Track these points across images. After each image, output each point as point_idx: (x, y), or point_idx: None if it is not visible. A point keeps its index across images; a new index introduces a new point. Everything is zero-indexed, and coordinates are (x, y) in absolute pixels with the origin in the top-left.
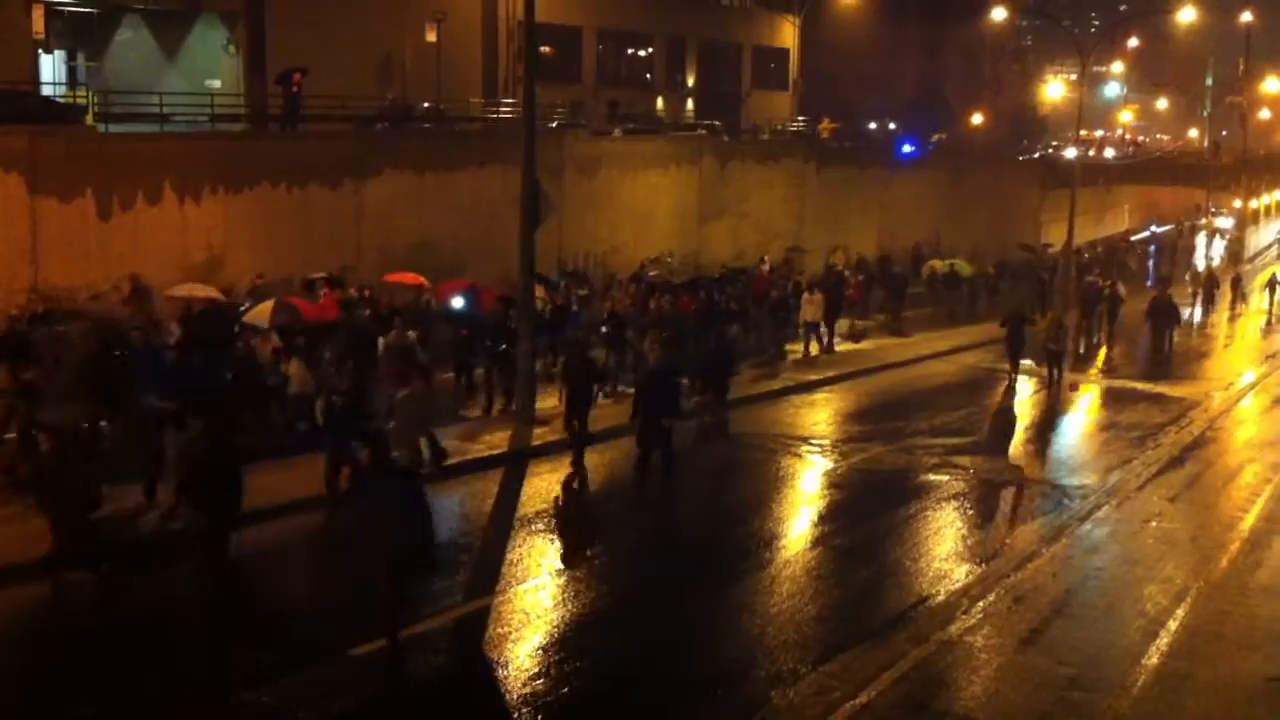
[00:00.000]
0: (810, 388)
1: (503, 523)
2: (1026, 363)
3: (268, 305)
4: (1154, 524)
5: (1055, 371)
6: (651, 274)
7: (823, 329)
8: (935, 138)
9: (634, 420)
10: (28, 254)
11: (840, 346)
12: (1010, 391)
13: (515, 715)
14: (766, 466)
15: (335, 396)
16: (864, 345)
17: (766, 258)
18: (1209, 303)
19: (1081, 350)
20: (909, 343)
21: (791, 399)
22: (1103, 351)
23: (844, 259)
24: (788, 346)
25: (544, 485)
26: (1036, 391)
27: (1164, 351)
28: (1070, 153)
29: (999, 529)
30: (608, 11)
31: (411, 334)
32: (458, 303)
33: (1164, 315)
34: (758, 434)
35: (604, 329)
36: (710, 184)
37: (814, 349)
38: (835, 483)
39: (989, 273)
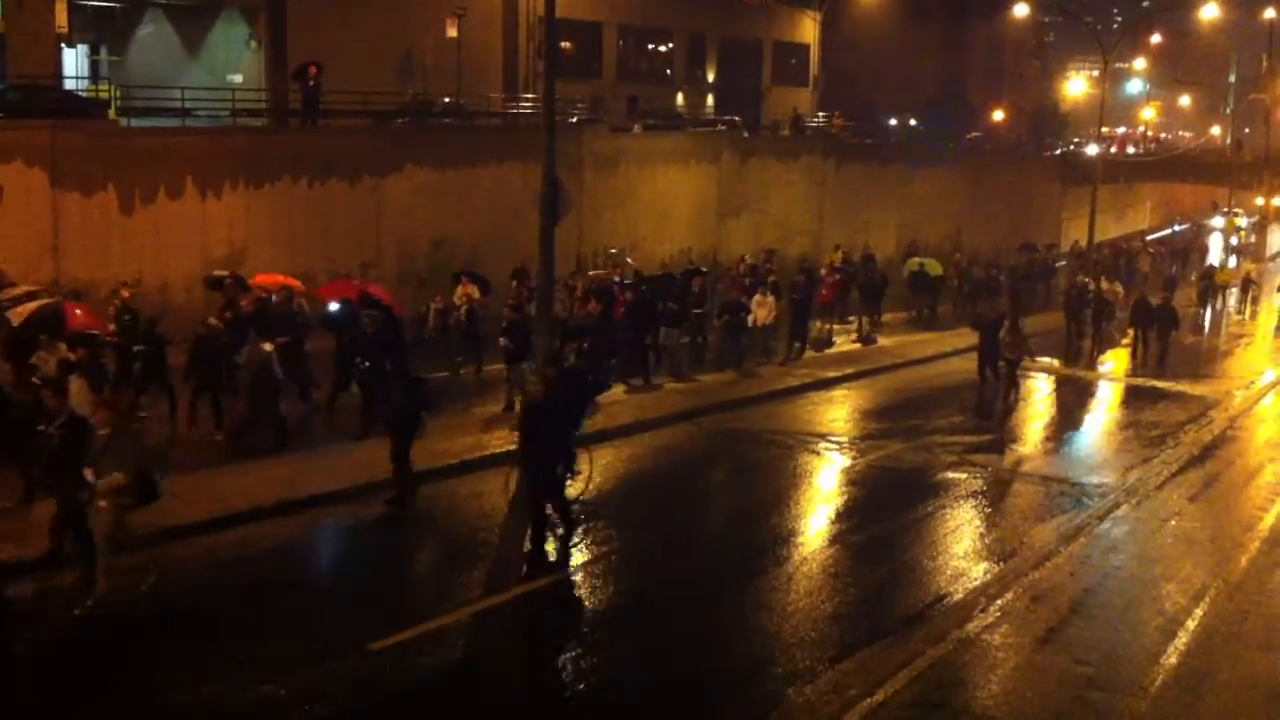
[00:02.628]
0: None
1: (518, 520)
2: (1046, 360)
3: (30, 307)
4: (1173, 523)
5: (1009, 384)
6: (591, 271)
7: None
8: (971, 135)
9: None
10: (50, 247)
11: (820, 352)
12: (985, 396)
13: (531, 711)
14: (784, 464)
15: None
16: (831, 352)
17: (748, 256)
18: (1206, 303)
19: (1064, 355)
20: (880, 350)
21: (811, 395)
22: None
23: (841, 257)
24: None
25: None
26: (1053, 390)
27: (1141, 356)
28: (1092, 149)
29: (1017, 527)
30: (628, 7)
31: (268, 346)
32: (334, 308)
33: (1147, 318)
34: (774, 431)
35: (501, 341)
36: (730, 180)
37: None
38: (853, 480)
39: (983, 273)
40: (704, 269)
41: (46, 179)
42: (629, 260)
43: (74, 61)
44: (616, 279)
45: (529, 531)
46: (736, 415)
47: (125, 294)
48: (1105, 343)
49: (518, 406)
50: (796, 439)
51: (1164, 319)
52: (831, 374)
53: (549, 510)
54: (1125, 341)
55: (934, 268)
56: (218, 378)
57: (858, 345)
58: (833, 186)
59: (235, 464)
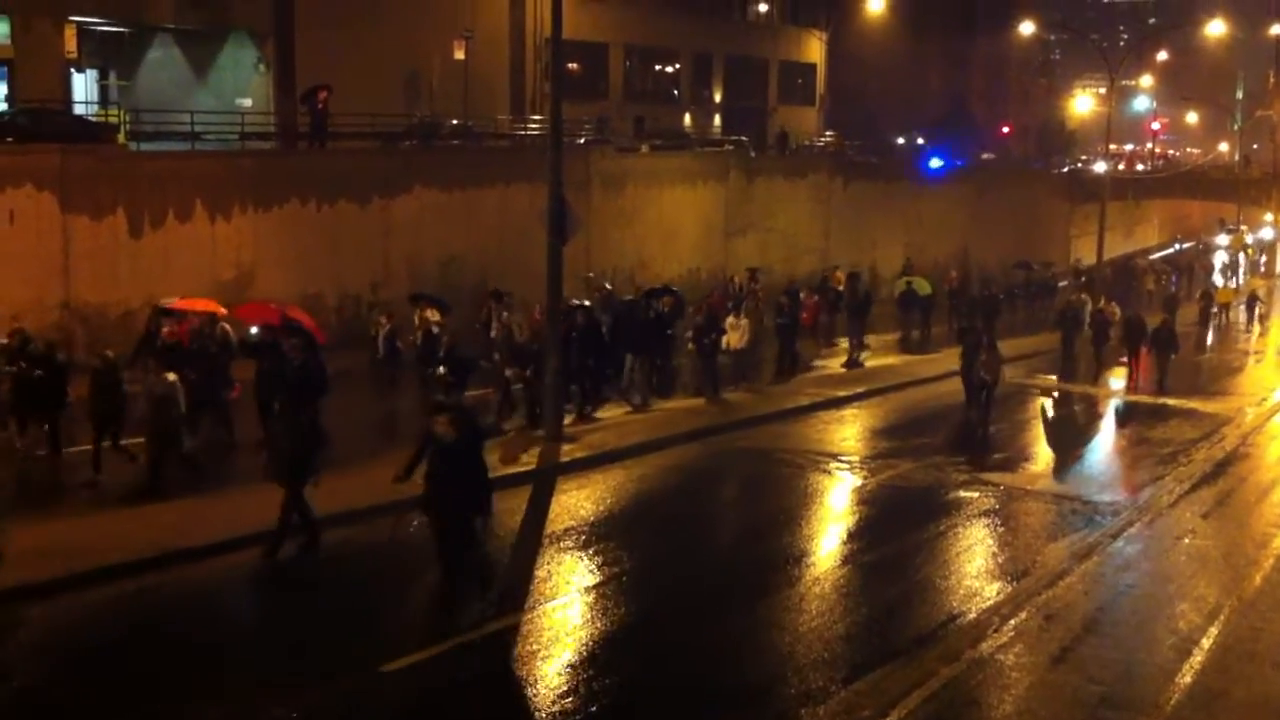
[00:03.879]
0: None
1: (530, 539)
2: (1047, 378)
3: None
4: (1186, 541)
5: (982, 404)
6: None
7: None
8: (985, 156)
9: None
10: (60, 270)
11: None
12: (969, 416)
13: None
14: (794, 482)
15: None
16: (811, 376)
17: (737, 277)
18: (1206, 323)
19: (1060, 374)
20: (888, 369)
21: (821, 415)
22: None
23: (843, 277)
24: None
25: (572, 502)
26: (1062, 408)
27: (1135, 376)
28: (1099, 166)
29: (1029, 546)
30: (634, 28)
31: (171, 376)
32: (254, 333)
33: (1137, 338)
34: (783, 450)
35: (440, 369)
36: (737, 199)
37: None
38: (863, 499)
39: (979, 291)
40: (674, 289)
41: (56, 203)
42: (606, 285)
43: (83, 86)
44: (574, 302)
45: (442, 589)
46: (744, 434)
47: (15, 325)
48: (1103, 363)
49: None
50: (805, 457)
51: (1161, 340)
52: (842, 393)
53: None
54: (1121, 361)
55: (922, 286)
56: (116, 413)
57: (842, 370)
58: (839, 205)
59: (123, 508)
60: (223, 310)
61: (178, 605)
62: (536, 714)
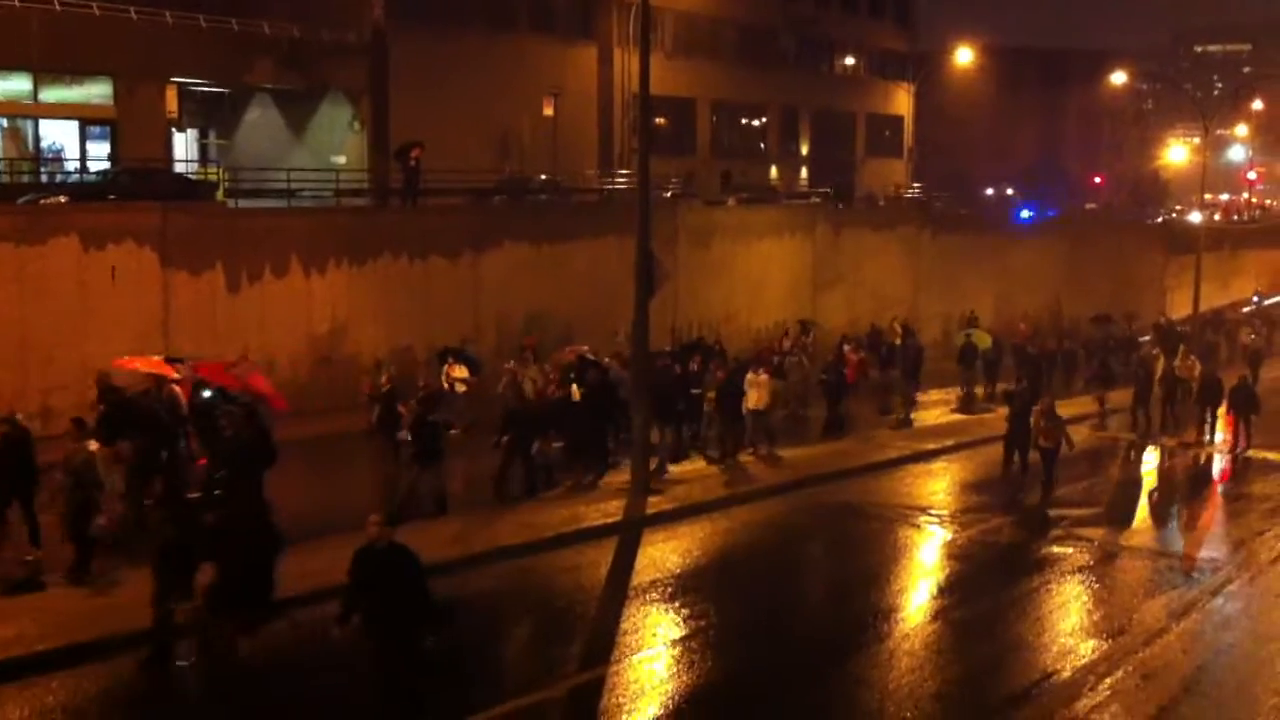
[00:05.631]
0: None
1: (615, 592)
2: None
3: None
4: None
5: (1047, 476)
6: (583, 349)
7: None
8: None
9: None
10: (160, 325)
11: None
12: (1009, 486)
13: None
14: (882, 537)
15: None
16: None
17: (791, 329)
18: None
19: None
20: (978, 421)
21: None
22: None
23: (900, 330)
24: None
25: (658, 554)
26: (1157, 463)
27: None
28: (1194, 217)
29: (1125, 603)
30: (721, 84)
31: (93, 445)
32: (206, 395)
33: (1211, 397)
34: (872, 505)
35: (402, 434)
36: (824, 251)
37: (745, 455)
38: (953, 554)
39: (1055, 345)
40: (708, 345)
41: (157, 259)
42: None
43: (183, 145)
44: (590, 356)
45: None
46: (830, 489)
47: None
48: (1178, 422)
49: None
50: (892, 511)
51: (1239, 400)
52: (931, 445)
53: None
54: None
55: (982, 340)
56: (28, 484)
57: (889, 430)
58: (928, 257)
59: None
60: (172, 373)
61: None
62: None
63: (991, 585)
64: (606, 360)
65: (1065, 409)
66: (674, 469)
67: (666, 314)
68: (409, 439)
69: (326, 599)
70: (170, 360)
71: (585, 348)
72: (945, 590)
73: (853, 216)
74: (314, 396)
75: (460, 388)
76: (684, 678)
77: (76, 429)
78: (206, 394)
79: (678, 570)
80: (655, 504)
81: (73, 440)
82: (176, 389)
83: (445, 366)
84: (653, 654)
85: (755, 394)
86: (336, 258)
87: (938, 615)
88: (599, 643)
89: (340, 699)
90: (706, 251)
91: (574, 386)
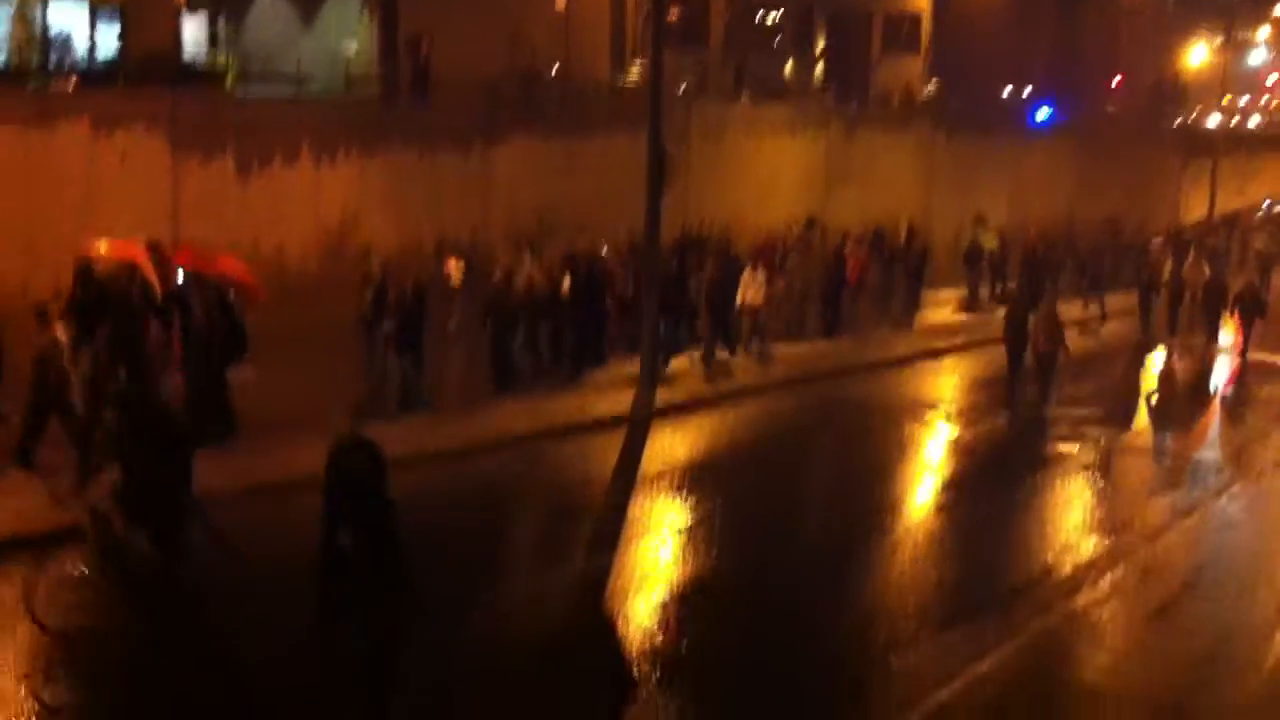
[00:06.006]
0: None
1: (624, 481)
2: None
3: None
4: None
5: (1046, 379)
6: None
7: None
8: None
9: None
10: (169, 212)
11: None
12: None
13: (634, 669)
14: (890, 432)
15: None
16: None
17: (795, 227)
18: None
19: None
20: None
21: (918, 365)
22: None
23: (906, 227)
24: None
25: (666, 445)
26: (1174, 365)
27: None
28: (1213, 121)
29: (1129, 502)
30: None
31: (60, 331)
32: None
33: (1216, 301)
34: (876, 401)
35: (384, 325)
36: (837, 150)
37: (742, 353)
38: (959, 451)
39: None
40: (715, 240)
41: (166, 146)
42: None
43: (193, 32)
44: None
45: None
46: (833, 385)
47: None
48: (1181, 326)
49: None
50: (899, 408)
51: (1245, 304)
52: (940, 344)
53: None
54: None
55: (989, 240)
56: None
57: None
58: (942, 158)
59: None
60: (144, 259)
61: None
62: (627, 651)
63: (995, 482)
64: (603, 253)
65: (1068, 313)
66: (674, 364)
67: (677, 211)
68: (394, 329)
69: (266, 495)
70: (148, 246)
71: (605, 248)
72: (949, 486)
73: (866, 116)
74: (324, 287)
75: (456, 280)
76: (690, 565)
77: (40, 318)
78: (180, 280)
79: (685, 461)
80: (662, 397)
81: (40, 328)
82: (150, 274)
83: (445, 260)
84: (659, 541)
85: (752, 291)
86: (346, 148)
87: (942, 510)
88: (606, 529)
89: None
90: (719, 147)
91: (566, 280)
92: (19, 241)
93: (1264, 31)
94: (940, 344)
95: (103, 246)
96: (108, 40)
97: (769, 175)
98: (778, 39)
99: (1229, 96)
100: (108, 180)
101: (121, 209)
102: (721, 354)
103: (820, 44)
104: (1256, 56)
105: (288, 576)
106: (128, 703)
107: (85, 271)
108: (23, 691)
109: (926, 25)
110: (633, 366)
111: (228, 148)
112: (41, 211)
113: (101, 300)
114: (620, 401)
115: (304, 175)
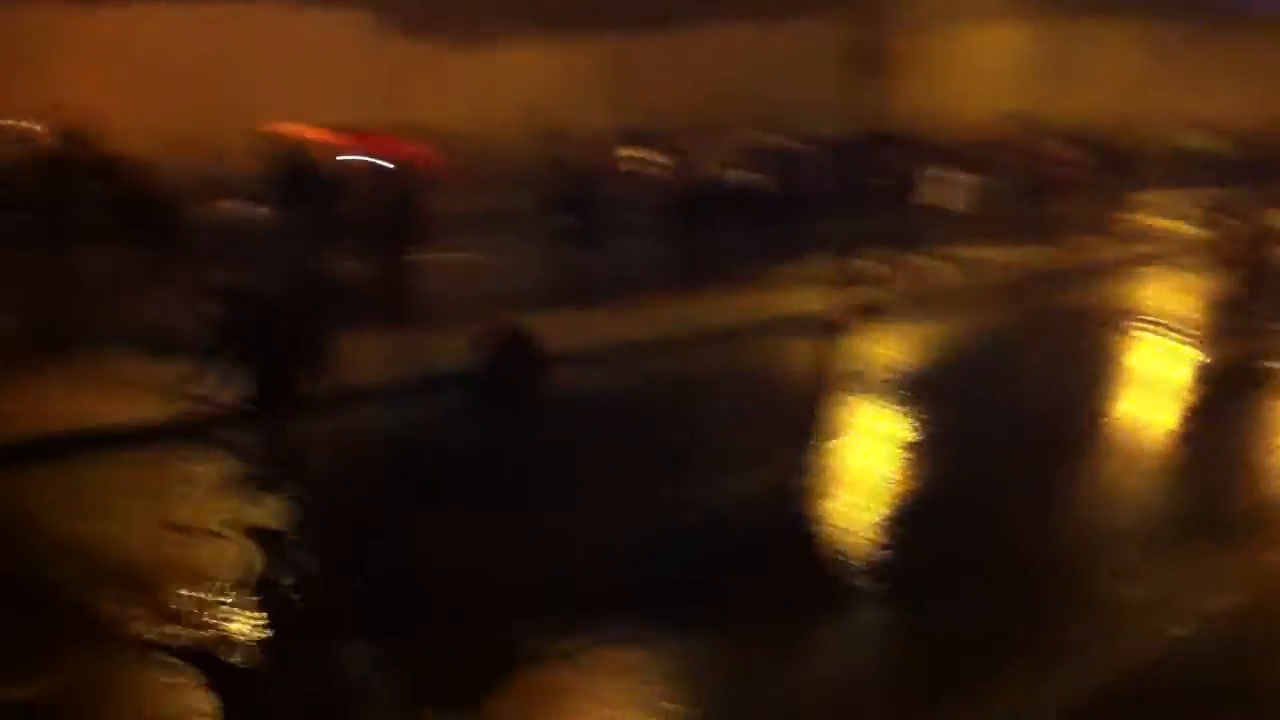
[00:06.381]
0: None
1: (824, 383)
2: None
3: None
4: None
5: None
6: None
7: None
8: None
9: None
10: (376, 90)
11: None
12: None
13: (829, 570)
14: (1112, 346)
15: None
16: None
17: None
18: None
19: None
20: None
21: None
22: None
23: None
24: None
25: (868, 349)
26: None
27: None
28: None
29: None
30: None
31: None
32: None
33: None
34: (1098, 311)
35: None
36: (1055, 41)
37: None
38: (1194, 371)
39: None
40: (912, 136)
41: (374, 20)
42: None
43: None
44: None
45: None
46: (1051, 292)
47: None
48: None
49: None
50: (1123, 320)
51: None
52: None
53: None
54: None
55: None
56: None
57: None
58: (1171, 51)
59: None
60: (334, 138)
61: None
62: (821, 557)
63: (1234, 406)
64: (798, 145)
65: None
66: (872, 265)
67: (875, 103)
68: (570, 219)
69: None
70: (335, 129)
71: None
72: (1182, 408)
73: (1089, 1)
74: (524, 170)
75: (649, 169)
76: (889, 471)
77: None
78: (363, 161)
79: (889, 366)
80: (859, 297)
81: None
82: (339, 156)
83: (626, 149)
84: (859, 445)
85: (948, 191)
86: (545, 30)
87: (1172, 434)
88: (804, 429)
89: None
90: (925, 36)
91: (757, 173)
92: (216, 119)
93: None
94: (1155, 250)
95: (289, 127)
96: None
97: (979, 64)
98: None
99: None
100: (305, 57)
101: (326, 86)
102: (919, 257)
103: None
104: None
105: None
106: None
107: (287, 150)
108: None
109: None
110: (826, 264)
111: (431, 24)
112: (239, 87)
113: (302, 178)
114: (814, 300)
115: (504, 57)
